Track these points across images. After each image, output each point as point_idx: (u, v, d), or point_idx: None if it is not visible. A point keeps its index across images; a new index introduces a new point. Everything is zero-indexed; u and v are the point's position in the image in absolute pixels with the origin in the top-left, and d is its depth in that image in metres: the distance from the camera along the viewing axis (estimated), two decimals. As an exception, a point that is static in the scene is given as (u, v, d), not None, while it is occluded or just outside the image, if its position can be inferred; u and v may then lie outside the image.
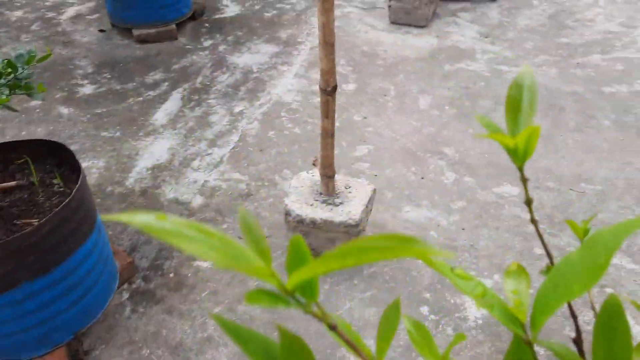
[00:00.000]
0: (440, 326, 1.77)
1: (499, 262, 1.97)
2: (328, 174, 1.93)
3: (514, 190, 2.28)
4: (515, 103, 0.47)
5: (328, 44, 1.73)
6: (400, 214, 2.19)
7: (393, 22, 3.74)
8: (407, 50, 3.40)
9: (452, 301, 1.85)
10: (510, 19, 3.74)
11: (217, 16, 3.96)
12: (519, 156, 0.44)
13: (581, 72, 3.07)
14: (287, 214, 1.94)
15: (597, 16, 3.69)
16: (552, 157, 2.45)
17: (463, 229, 2.11)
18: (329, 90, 1.80)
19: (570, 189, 2.26)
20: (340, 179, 2.00)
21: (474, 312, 1.81)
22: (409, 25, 3.70)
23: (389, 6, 3.73)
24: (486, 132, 0.47)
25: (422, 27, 3.68)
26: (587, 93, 2.89)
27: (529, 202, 0.48)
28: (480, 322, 1.78)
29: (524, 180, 0.46)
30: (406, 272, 1.95)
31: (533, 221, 0.49)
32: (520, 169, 0.45)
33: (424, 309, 1.83)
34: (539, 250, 2.01)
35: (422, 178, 2.36)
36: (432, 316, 1.80)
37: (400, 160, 2.47)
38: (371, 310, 1.83)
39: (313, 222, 1.88)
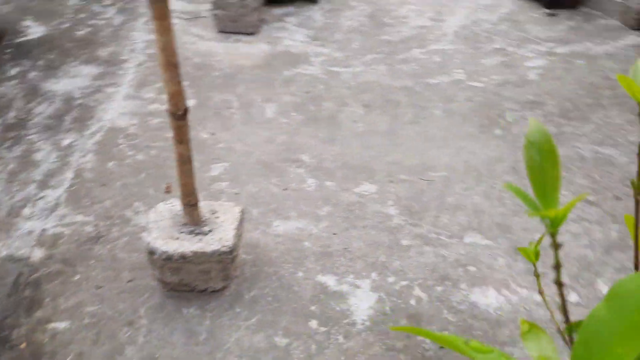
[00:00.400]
0: (331, 337, 1.75)
1: (372, 260, 2.02)
2: (191, 202, 1.80)
3: (371, 188, 2.35)
4: (537, 166, 0.43)
5: (171, 64, 1.60)
6: (270, 229, 2.13)
7: (221, 31, 3.65)
8: (241, 59, 3.34)
9: (337, 309, 1.85)
10: (334, 20, 3.88)
11: (19, 39, 3.49)
12: (555, 224, 0.41)
13: (406, 67, 3.30)
14: (152, 252, 1.77)
15: (409, 13, 4.00)
16: (398, 151, 2.59)
17: (334, 234, 2.12)
18: (180, 115, 1.67)
19: (420, 179, 2.41)
20: (204, 205, 1.87)
21: (360, 314, 1.83)
22: (238, 33, 3.65)
23: (215, 15, 3.63)
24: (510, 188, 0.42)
25: (251, 34, 3.65)
26: (415, 86, 3.11)
27: (558, 267, 0.45)
28: (367, 323, 1.80)
29: (556, 246, 0.42)
30: (288, 288, 1.90)
31: (558, 283, 0.46)
32: (554, 235, 0.42)
33: (313, 323, 1.80)
34: (405, 242, 2.10)
35: (285, 189, 2.33)
36: (322, 328, 1.78)
37: (260, 174, 2.41)
38: (260, 336, 1.75)
39: (183, 257, 1.74)
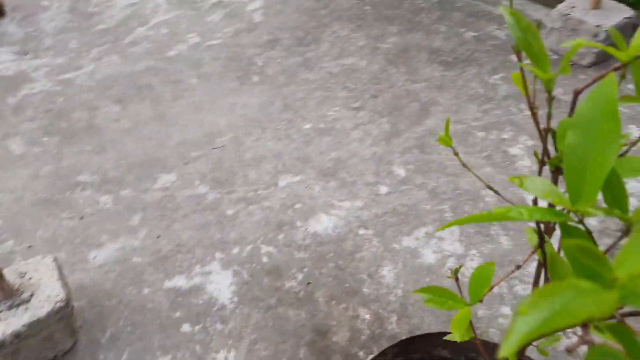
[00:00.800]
0: (209, 329, 1.72)
1: (209, 242, 1.99)
2: (-8, 277, 1.52)
3: (171, 177, 2.27)
4: (523, 42, 0.46)
5: None
6: (89, 264, 1.93)
7: None
8: (-54, 103, 2.79)
9: (201, 302, 1.80)
10: (34, 27, 3.45)
11: None
12: (549, 84, 0.44)
13: (139, 49, 3.15)
14: (-28, 353, 1.47)
15: (111, -5, 3.76)
16: (177, 130, 2.52)
17: (159, 237, 2.02)
18: None
19: (212, 148, 2.40)
20: (8, 272, 1.60)
21: (224, 295, 1.82)
22: None
23: None
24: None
25: (-59, 72, 3.04)
26: (158, 63, 3.00)
27: (549, 116, 0.49)
28: (235, 299, 1.80)
29: (551, 99, 0.46)
30: (142, 310, 1.78)
31: (546, 129, 0.50)
32: (550, 91, 0.46)
33: (185, 327, 1.73)
34: (230, 211, 2.11)
35: (82, 217, 2.11)
36: (196, 327, 1.73)
37: (44, 215, 2.12)
38: (140, 368, 1.63)
39: (16, 336, 1.49)
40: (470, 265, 1.87)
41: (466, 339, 0.73)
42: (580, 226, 0.39)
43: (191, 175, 2.27)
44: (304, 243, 1.97)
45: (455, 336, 0.54)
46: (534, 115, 0.50)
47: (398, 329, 1.69)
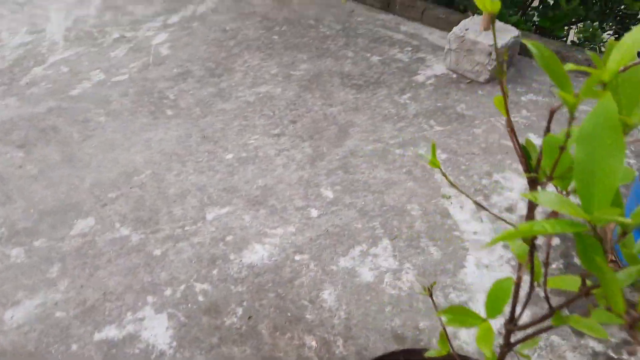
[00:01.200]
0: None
1: (139, 286, 1.89)
2: None
3: (89, 221, 2.13)
4: (547, 66, 0.46)
5: None
6: (6, 325, 1.75)
7: None
8: None
9: (137, 351, 1.69)
10: None
11: None
12: (573, 106, 0.45)
13: (38, 89, 2.96)
14: None
15: (12, 33, 3.52)
16: (90, 172, 2.38)
17: (82, 286, 1.88)
18: None
19: (131, 187, 2.29)
20: None
21: (162, 341, 1.72)
22: None
23: None
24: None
25: None
26: (62, 103, 2.83)
27: (568, 134, 0.50)
28: (174, 344, 1.72)
29: (572, 119, 0.46)
30: (72, 368, 1.64)
31: (565, 138, 0.51)
32: (572, 113, 0.46)
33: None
34: (157, 251, 2.01)
35: (-9, 275, 1.92)
36: (135, 378, 1.62)
37: (-53, 277, 1.91)
38: None
39: None
40: (407, 279, 1.91)
41: (444, 353, 0.74)
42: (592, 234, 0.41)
43: (111, 218, 2.15)
44: (240, 276, 1.92)
45: (486, 352, 0.55)
46: (513, 133, 0.53)
47: (345, 352, 1.68)
